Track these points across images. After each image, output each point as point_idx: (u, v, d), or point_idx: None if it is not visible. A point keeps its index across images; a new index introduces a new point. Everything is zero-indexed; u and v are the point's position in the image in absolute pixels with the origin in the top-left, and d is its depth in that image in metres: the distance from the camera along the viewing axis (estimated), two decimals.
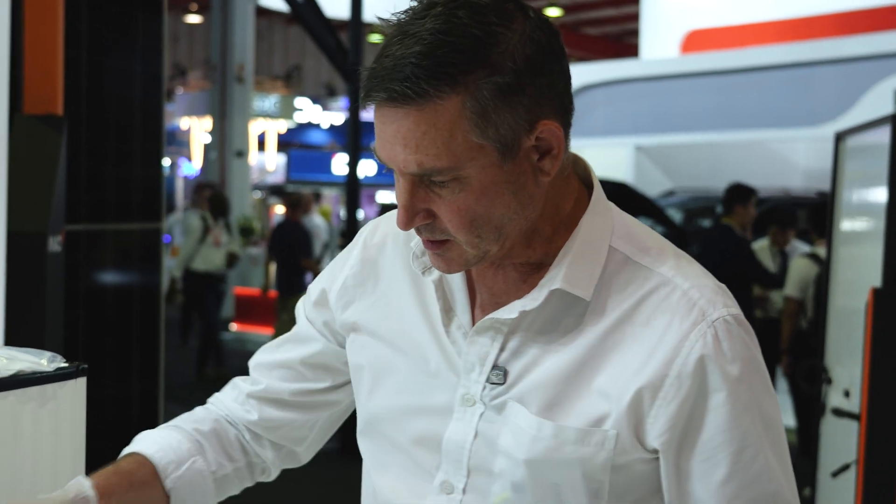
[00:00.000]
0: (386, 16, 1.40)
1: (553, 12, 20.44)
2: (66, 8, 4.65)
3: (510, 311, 1.47)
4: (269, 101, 29.19)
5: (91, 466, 1.75)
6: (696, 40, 17.35)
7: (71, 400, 1.89)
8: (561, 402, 1.45)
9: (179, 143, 27.98)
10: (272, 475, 1.84)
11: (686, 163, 16.36)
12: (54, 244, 4.26)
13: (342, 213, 20.58)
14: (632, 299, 1.46)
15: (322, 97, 32.25)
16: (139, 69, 5.70)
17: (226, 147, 20.07)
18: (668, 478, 1.45)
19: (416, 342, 1.57)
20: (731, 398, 1.41)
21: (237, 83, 19.94)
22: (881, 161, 4.05)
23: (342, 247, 1.87)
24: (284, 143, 30.81)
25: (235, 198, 18.35)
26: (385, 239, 1.67)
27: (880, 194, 4.12)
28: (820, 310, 5.19)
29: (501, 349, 1.49)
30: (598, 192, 1.52)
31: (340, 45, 8.60)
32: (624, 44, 29.01)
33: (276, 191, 24.50)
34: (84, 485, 1.58)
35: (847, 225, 4.83)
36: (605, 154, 15.06)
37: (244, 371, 1.85)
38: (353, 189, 8.87)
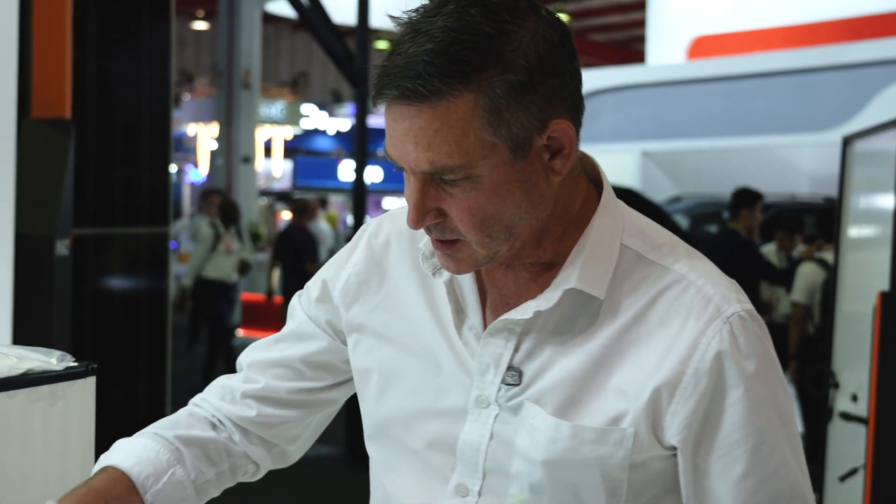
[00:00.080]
0: (396, 14, 1.40)
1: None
2: (74, 12, 4.66)
3: (524, 312, 1.46)
4: (276, 108, 29.26)
5: None
6: (703, 46, 17.35)
7: (80, 399, 1.90)
8: (578, 402, 1.44)
9: (186, 149, 28.04)
10: (258, 475, 1.79)
11: (692, 169, 16.35)
12: (62, 247, 4.27)
13: (349, 219, 20.60)
14: (646, 297, 1.45)
15: (328, 104, 32.30)
16: (147, 73, 5.72)
17: (232, 153, 20.11)
18: (685, 475, 1.45)
19: (427, 344, 1.56)
20: (747, 394, 1.41)
21: (244, 89, 19.99)
22: (888, 168, 4.06)
23: None
24: (291, 149, 30.87)
25: (242, 204, 18.35)
26: (389, 237, 1.65)
27: (887, 201, 4.12)
28: (827, 315, 5.19)
29: (515, 350, 1.48)
30: (608, 189, 1.52)
31: (347, 50, 8.60)
32: (631, 50, 29.02)
33: (283, 197, 24.53)
34: None
35: (854, 231, 4.84)
36: (611, 160, 15.04)
37: None
38: (360, 195, 8.86)
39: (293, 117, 30.00)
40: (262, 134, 25.59)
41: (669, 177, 16.37)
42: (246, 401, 1.71)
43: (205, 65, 30.47)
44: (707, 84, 15.74)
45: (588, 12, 26.93)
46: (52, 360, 1.84)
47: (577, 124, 1.42)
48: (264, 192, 26.05)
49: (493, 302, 1.53)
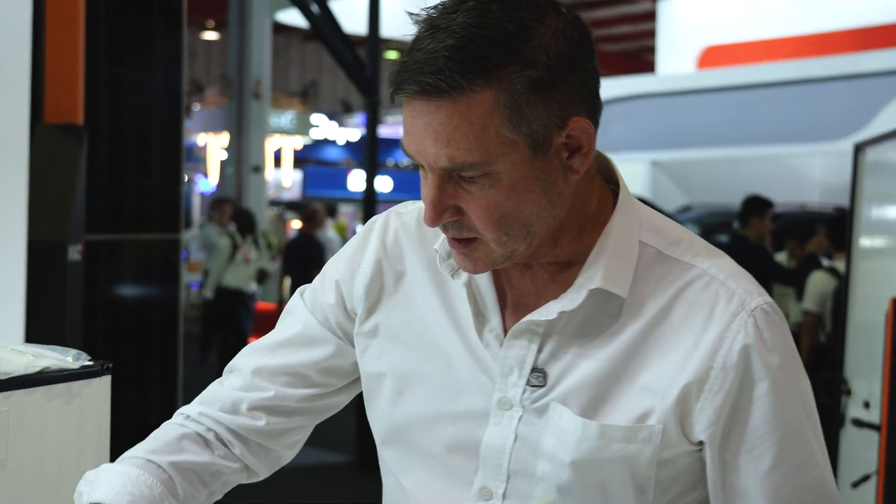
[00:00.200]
0: (415, 12, 1.39)
1: None
2: (87, 20, 4.68)
3: (548, 313, 1.45)
4: (286, 118, 29.29)
5: None
6: (713, 56, 17.36)
7: (96, 398, 1.90)
8: (604, 401, 1.44)
9: (196, 159, 28.07)
10: (246, 481, 1.73)
11: (702, 178, 16.34)
12: (74, 253, 4.28)
13: (358, 228, 20.58)
14: (668, 293, 1.45)
15: (338, 113, 32.37)
16: (159, 81, 5.74)
17: (242, 163, 20.13)
18: (712, 469, 1.45)
19: (444, 347, 1.54)
20: (774, 387, 1.41)
21: (254, 99, 20.01)
22: None
23: None
24: (300, 159, 30.90)
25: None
26: (398, 235, 1.63)
27: None
28: (839, 323, 5.18)
29: (539, 351, 1.47)
30: (625, 187, 1.52)
31: (358, 59, 8.62)
32: (641, 60, 29.03)
33: (293, 206, 24.56)
34: None
35: (866, 242, 4.83)
36: (621, 169, 14.87)
37: None
38: (371, 204, 8.87)
39: (303, 127, 30.03)
40: (271, 144, 25.62)
41: (679, 186, 16.36)
42: (254, 412, 1.65)
43: (215, 75, 30.57)
44: (717, 94, 15.74)
45: (598, 23, 26.95)
46: (67, 358, 1.84)
47: (596, 123, 1.42)
48: (274, 202, 26.07)
49: (512, 303, 1.52)
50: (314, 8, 8.37)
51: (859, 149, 4.89)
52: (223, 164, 23.07)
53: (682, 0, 18.72)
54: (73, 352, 1.86)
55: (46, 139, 4.35)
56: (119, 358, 5.27)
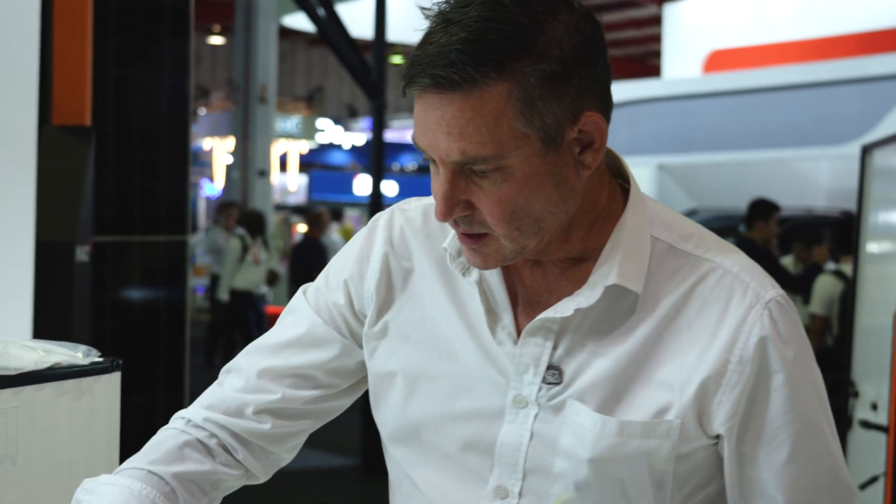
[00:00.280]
0: (427, 6, 1.39)
1: None
2: (95, 22, 4.69)
3: (564, 310, 1.45)
4: (291, 122, 29.33)
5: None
6: (719, 60, 17.34)
7: (106, 394, 1.90)
8: (621, 398, 1.44)
9: (202, 163, 28.12)
10: (245, 483, 1.70)
11: (708, 182, 16.31)
12: (82, 254, 4.29)
13: None
14: (682, 287, 1.45)
15: (344, 118, 32.40)
16: (166, 83, 5.74)
17: (248, 167, 20.16)
18: (729, 463, 1.45)
19: (456, 345, 1.53)
20: (789, 379, 1.42)
21: (260, 103, 20.05)
22: None
23: None
24: (306, 163, 30.93)
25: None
26: (404, 232, 1.61)
27: None
28: (846, 326, 5.18)
29: (554, 348, 1.47)
30: (635, 183, 1.52)
31: (365, 63, 8.63)
32: (646, 65, 29.02)
33: (298, 210, 24.61)
34: None
35: (873, 247, 4.83)
36: None
37: None
38: (376, 208, 8.87)
39: (308, 132, 30.06)
40: (277, 148, 25.65)
41: (685, 190, 16.33)
42: (260, 415, 1.62)
43: (220, 79, 30.62)
44: (723, 98, 15.72)
45: (603, 27, 26.92)
46: (78, 354, 1.85)
47: (608, 118, 1.41)
48: (280, 207, 26.12)
49: (523, 301, 1.51)
50: (320, 12, 8.39)
51: (867, 151, 4.89)
52: (229, 168, 23.12)
53: (688, 4, 18.71)
54: (84, 348, 1.87)
55: (54, 140, 4.36)
56: (126, 360, 5.28)
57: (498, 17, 1.32)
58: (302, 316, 1.65)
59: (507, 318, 1.50)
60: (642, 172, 15.96)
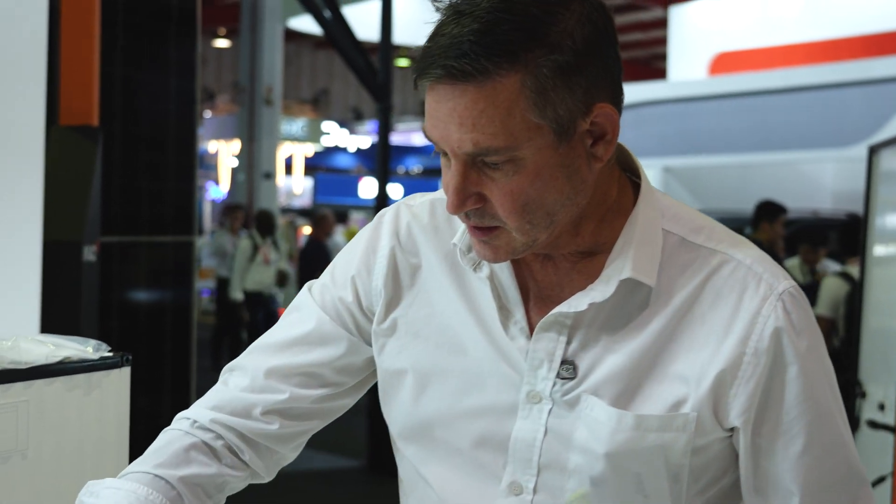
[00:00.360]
0: (435, 0, 1.38)
1: None
2: (102, 23, 4.70)
3: (577, 305, 1.44)
4: (297, 125, 29.35)
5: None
6: (725, 62, 17.35)
7: (116, 389, 1.90)
8: (637, 391, 1.43)
9: (207, 166, 28.14)
10: (249, 482, 1.68)
11: (714, 184, 16.30)
12: (89, 253, 4.30)
13: None
14: (695, 280, 1.45)
15: (349, 121, 32.44)
16: (173, 85, 5.76)
17: (254, 169, 20.18)
18: (744, 455, 1.45)
19: (467, 342, 1.52)
20: (803, 370, 1.42)
21: (265, 106, 20.07)
22: None
23: None
24: (311, 166, 30.97)
25: None
26: (411, 228, 1.60)
27: None
28: (853, 327, 5.17)
29: (568, 343, 1.46)
30: (645, 176, 1.52)
31: (371, 65, 8.64)
32: (651, 68, 29.03)
33: (304, 213, 24.65)
34: None
35: (880, 249, 4.83)
36: None
37: None
38: None
39: (314, 134, 30.08)
40: (282, 151, 25.68)
41: (691, 192, 16.32)
42: (268, 416, 1.60)
43: (226, 82, 30.65)
44: (729, 100, 15.72)
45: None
46: (88, 349, 1.85)
47: (619, 111, 1.41)
48: (285, 210, 26.16)
49: (534, 295, 1.51)
50: (326, 14, 8.39)
51: (874, 151, 4.89)
52: (234, 171, 23.14)
53: (694, 7, 18.72)
54: (94, 342, 1.87)
55: (62, 140, 4.37)
56: (133, 359, 5.29)
57: (510, 9, 1.32)
58: (308, 313, 1.63)
59: (518, 313, 1.49)
60: (648, 174, 15.91)
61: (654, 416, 1.42)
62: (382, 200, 8.87)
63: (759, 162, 15.68)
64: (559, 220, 1.41)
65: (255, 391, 1.60)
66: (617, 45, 1.41)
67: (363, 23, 11.31)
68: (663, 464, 1.43)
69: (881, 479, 4.16)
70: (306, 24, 20.70)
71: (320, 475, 7.68)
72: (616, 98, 1.40)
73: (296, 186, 30.61)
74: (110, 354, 1.89)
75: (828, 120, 14.49)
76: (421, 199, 1.64)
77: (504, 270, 1.50)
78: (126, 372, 1.91)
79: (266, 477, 1.66)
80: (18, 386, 1.76)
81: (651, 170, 16.18)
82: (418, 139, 32.06)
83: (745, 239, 1.51)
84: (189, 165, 5.87)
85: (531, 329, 1.48)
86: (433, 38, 1.35)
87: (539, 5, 1.33)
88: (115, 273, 5.38)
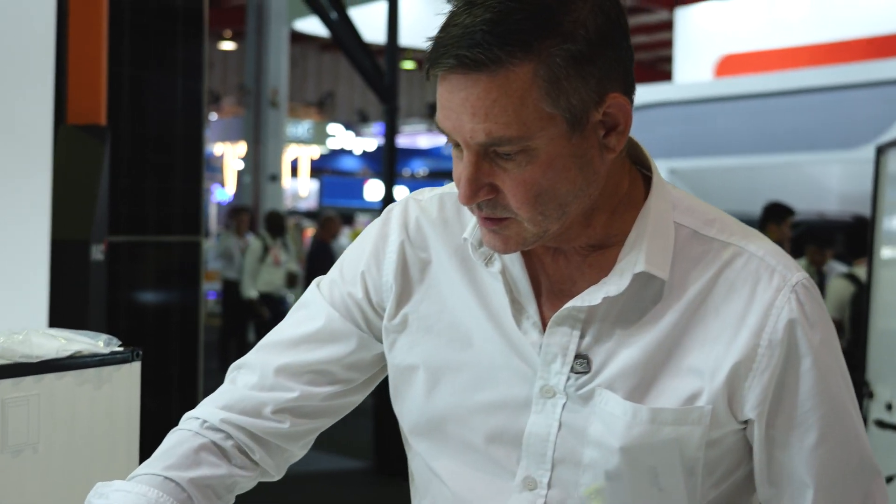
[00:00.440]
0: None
1: None
2: (110, 23, 4.71)
3: (591, 298, 1.44)
4: (303, 127, 29.39)
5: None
6: (731, 64, 17.34)
7: (126, 384, 1.91)
8: (651, 385, 1.43)
9: (213, 168, 28.18)
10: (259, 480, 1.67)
11: (720, 186, 16.29)
12: (97, 252, 4.30)
13: None
14: (708, 273, 1.44)
15: (354, 123, 32.47)
16: (180, 85, 5.77)
17: (260, 171, 20.19)
18: (759, 447, 1.44)
19: (478, 337, 1.51)
20: (817, 362, 1.41)
21: (271, 108, 20.08)
22: None
23: None
24: (317, 169, 30.99)
25: None
26: (420, 222, 1.59)
27: None
28: (860, 328, 5.17)
29: (581, 337, 1.46)
30: (656, 169, 1.51)
31: (377, 67, 8.65)
32: (657, 70, 29.02)
33: (310, 216, 24.69)
34: None
35: (888, 252, 4.83)
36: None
37: None
38: None
39: (319, 137, 30.13)
40: (288, 153, 25.70)
41: (697, 194, 16.18)
42: (279, 414, 1.58)
43: (231, 85, 30.69)
44: (734, 102, 15.72)
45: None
46: (99, 343, 1.85)
47: (631, 102, 1.41)
48: (291, 212, 26.19)
49: (546, 290, 1.50)
50: (333, 15, 8.40)
51: (881, 151, 4.88)
52: (240, 173, 23.16)
53: (700, 9, 18.72)
54: (105, 337, 1.87)
55: (69, 140, 4.37)
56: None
57: None
58: (317, 310, 1.62)
59: (531, 307, 1.48)
60: None
61: (670, 410, 1.41)
62: (389, 202, 8.87)
63: (764, 164, 15.67)
64: (571, 211, 1.40)
65: (265, 389, 1.59)
66: (629, 37, 1.41)
67: (369, 25, 11.32)
68: (678, 457, 1.43)
69: (889, 479, 4.16)
70: (312, 26, 20.71)
71: (326, 476, 7.68)
72: (628, 89, 1.40)
73: (301, 189, 30.64)
74: (121, 349, 1.90)
75: (834, 122, 14.48)
76: (429, 193, 1.63)
77: (516, 265, 1.50)
78: (136, 367, 1.91)
79: (276, 475, 1.65)
80: (29, 380, 1.77)
81: None
82: (424, 142, 32.08)
83: (757, 231, 1.50)
84: (196, 166, 5.88)
85: (544, 323, 1.48)
86: (445, 28, 1.35)
87: None
88: (123, 273, 5.39)
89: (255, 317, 11.98)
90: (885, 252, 4.85)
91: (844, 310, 7.56)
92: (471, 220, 1.52)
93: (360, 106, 33.02)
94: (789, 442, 1.43)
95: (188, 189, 5.79)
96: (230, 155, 27.11)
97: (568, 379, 1.45)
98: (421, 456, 1.59)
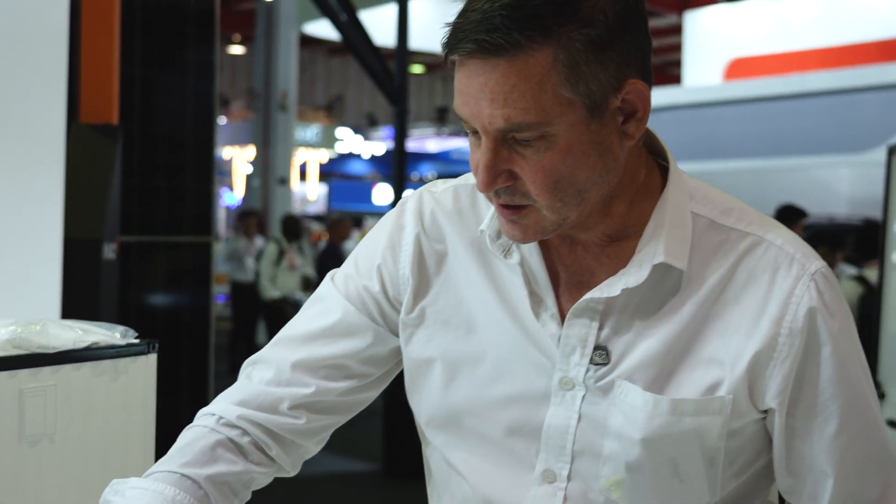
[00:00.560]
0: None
1: None
2: (122, 24, 4.72)
3: (610, 290, 1.43)
4: (311, 131, 29.42)
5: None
6: (740, 68, 17.33)
7: (143, 376, 1.91)
8: (671, 376, 1.42)
9: (222, 172, 28.22)
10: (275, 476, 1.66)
11: (730, 189, 16.08)
12: (109, 251, 4.31)
13: None
14: (727, 263, 1.44)
15: (363, 127, 32.48)
16: (191, 86, 5.78)
17: (268, 175, 20.21)
18: (779, 436, 1.44)
19: (496, 329, 1.50)
20: (837, 351, 1.41)
21: (280, 112, 20.10)
22: None
23: None
24: (326, 172, 31.02)
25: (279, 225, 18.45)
26: (435, 214, 1.58)
27: None
28: (872, 329, 5.16)
29: (600, 328, 1.45)
30: (672, 159, 1.50)
31: (387, 69, 8.65)
32: (666, 74, 28.98)
33: (318, 220, 24.71)
34: None
35: None
36: None
37: None
38: None
39: (328, 141, 30.16)
40: (297, 157, 25.73)
41: None
42: (295, 410, 1.57)
43: (240, 88, 30.73)
44: (744, 105, 15.70)
45: None
46: (115, 334, 1.86)
47: (649, 88, 1.40)
48: (300, 216, 26.22)
49: (564, 281, 1.49)
50: (343, 18, 8.41)
51: (893, 152, 4.87)
52: (249, 177, 23.19)
53: (709, 12, 18.71)
54: (121, 328, 1.87)
55: (82, 139, 4.38)
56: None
57: None
58: (332, 304, 1.61)
59: (549, 299, 1.48)
60: None
61: (690, 400, 1.41)
62: None
63: (774, 167, 15.65)
64: (590, 198, 1.39)
65: (281, 385, 1.58)
66: (647, 23, 1.40)
67: (378, 28, 11.33)
68: (699, 448, 1.42)
69: None
70: (321, 29, 20.74)
71: (335, 478, 7.67)
72: (647, 76, 1.39)
73: (310, 192, 30.66)
74: (137, 341, 1.90)
75: (843, 125, 14.46)
76: (443, 185, 1.62)
77: (534, 256, 1.49)
78: (153, 359, 1.92)
79: (292, 471, 1.64)
80: (46, 370, 1.77)
81: None
82: (433, 145, 32.09)
83: (774, 220, 1.50)
84: (207, 167, 5.89)
85: (562, 315, 1.47)
86: (463, 13, 1.34)
87: None
88: (134, 273, 5.40)
89: (276, 317, 11.97)
90: (895, 262, 4.84)
91: (854, 312, 7.55)
92: (487, 212, 1.52)
93: (369, 110, 33.04)
94: (809, 431, 1.43)
95: (199, 190, 5.80)
96: (239, 159, 27.14)
97: (587, 370, 1.45)
98: (438, 450, 1.58)
